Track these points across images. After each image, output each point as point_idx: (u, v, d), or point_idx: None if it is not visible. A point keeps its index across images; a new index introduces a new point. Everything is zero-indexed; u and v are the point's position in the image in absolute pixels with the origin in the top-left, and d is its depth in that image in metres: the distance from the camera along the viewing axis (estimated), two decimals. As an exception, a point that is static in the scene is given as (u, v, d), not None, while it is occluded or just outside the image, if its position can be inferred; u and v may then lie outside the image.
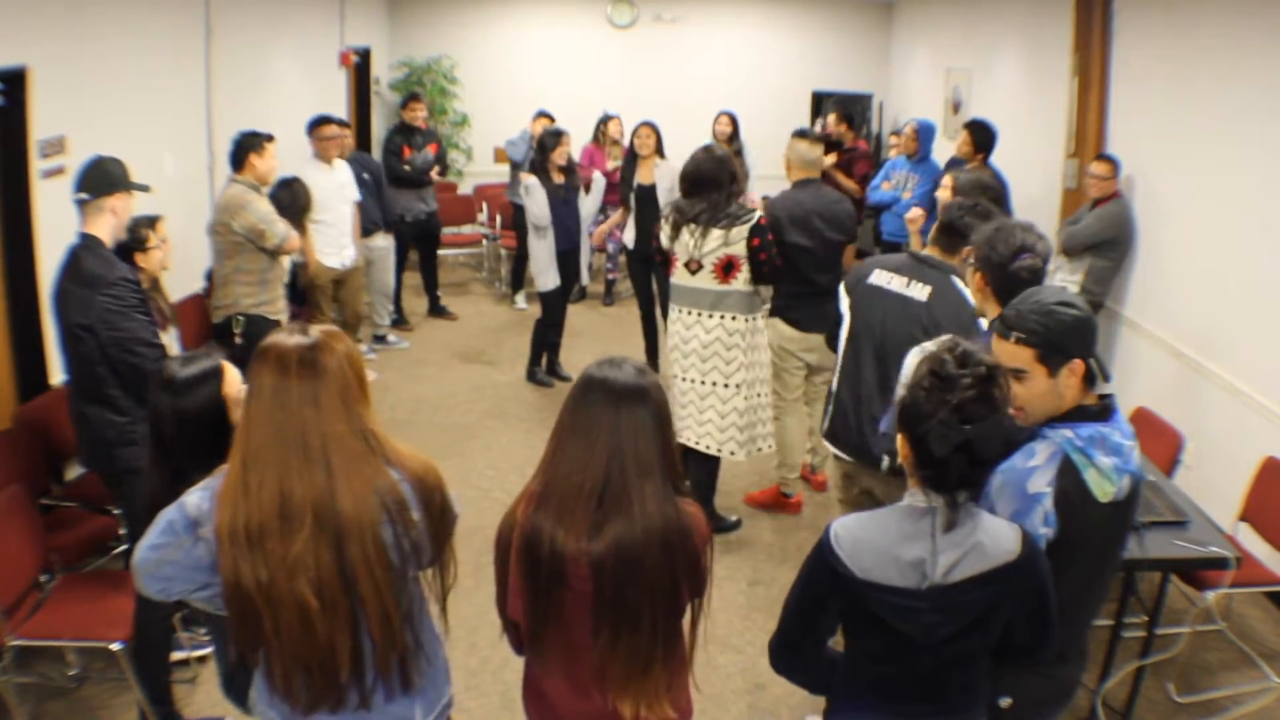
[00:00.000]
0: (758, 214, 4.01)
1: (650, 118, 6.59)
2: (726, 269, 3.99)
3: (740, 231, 3.93)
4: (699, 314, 4.08)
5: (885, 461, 3.12)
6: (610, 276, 8.18)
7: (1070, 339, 1.96)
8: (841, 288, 3.31)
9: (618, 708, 1.95)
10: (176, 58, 5.42)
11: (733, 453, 4.21)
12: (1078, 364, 1.97)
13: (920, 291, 3.04)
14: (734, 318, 4.05)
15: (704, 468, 4.34)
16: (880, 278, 3.15)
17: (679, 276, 4.10)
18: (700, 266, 4.01)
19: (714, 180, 3.96)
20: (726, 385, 4.11)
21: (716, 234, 3.95)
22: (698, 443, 4.20)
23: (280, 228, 4.65)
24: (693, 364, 4.14)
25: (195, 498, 1.80)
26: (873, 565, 1.77)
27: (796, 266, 4.28)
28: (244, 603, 1.74)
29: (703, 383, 4.13)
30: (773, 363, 4.42)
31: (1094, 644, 2.30)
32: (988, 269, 2.54)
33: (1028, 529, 1.85)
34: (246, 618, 1.75)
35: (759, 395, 4.22)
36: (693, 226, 3.99)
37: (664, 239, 4.13)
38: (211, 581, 1.79)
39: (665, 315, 4.45)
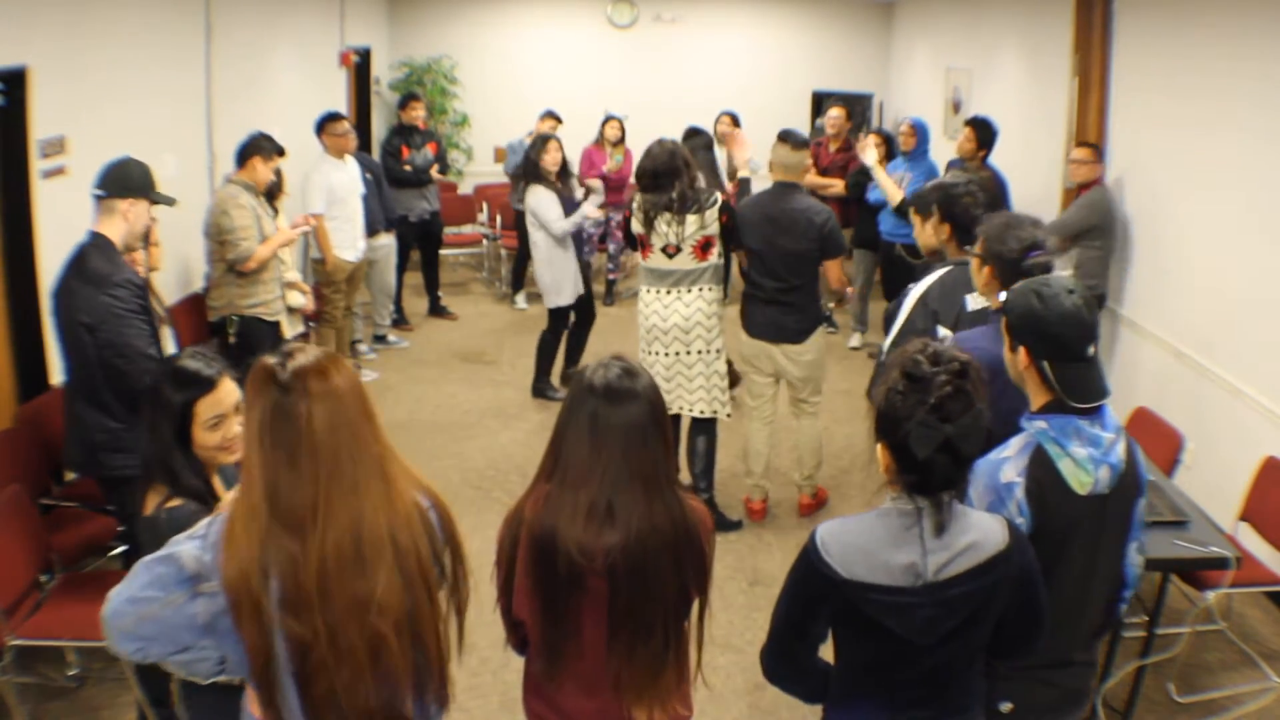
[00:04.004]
0: (717, 193, 4.32)
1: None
2: (704, 248, 4.28)
3: (712, 213, 4.23)
4: (678, 292, 4.33)
5: None
6: (611, 277, 8.17)
7: (1019, 323, 2.01)
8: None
9: (633, 714, 1.96)
10: (176, 57, 5.41)
11: (729, 414, 4.50)
12: (1022, 351, 2.00)
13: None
14: (709, 289, 4.35)
15: (704, 433, 4.50)
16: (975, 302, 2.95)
17: (655, 261, 4.34)
18: (679, 250, 4.27)
19: (671, 171, 4.21)
20: (706, 351, 4.37)
21: (692, 219, 4.22)
22: (691, 409, 4.41)
23: (245, 246, 4.57)
24: (675, 338, 4.35)
25: (192, 548, 1.59)
26: (864, 570, 1.74)
27: (750, 267, 4.44)
28: (297, 665, 1.54)
29: (688, 352, 4.36)
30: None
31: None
32: (998, 264, 2.54)
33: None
34: (278, 683, 1.56)
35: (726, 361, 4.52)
36: (667, 216, 4.22)
37: (637, 226, 4.33)
38: (198, 644, 1.61)
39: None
